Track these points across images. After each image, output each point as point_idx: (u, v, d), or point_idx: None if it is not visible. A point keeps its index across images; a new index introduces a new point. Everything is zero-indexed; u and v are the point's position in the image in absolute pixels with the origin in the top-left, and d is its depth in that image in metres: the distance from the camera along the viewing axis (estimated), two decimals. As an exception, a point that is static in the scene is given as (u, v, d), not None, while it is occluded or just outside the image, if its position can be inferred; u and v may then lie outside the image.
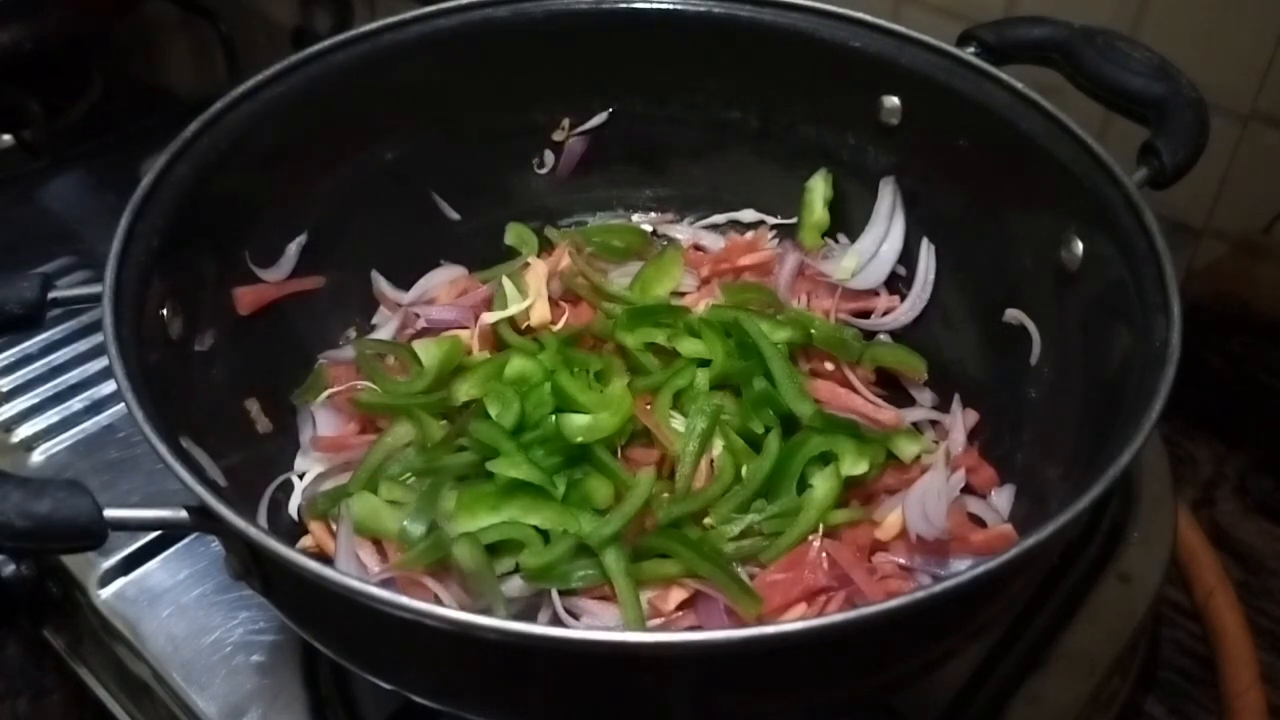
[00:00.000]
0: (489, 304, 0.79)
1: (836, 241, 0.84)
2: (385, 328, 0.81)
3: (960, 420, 0.74)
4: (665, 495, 0.67)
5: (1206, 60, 0.76)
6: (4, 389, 0.89)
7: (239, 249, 0.74)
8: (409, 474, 0.68)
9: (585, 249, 0.83)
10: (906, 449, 0.72)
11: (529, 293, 0.78)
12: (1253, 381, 0.92)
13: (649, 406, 0.71)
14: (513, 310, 0.77)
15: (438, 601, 0.62)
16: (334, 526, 0.67)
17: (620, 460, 0.68)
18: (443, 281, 0.83)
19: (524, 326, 0.77)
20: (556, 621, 0.64)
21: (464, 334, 0.77)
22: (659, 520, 0.65)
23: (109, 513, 0.52)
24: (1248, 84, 0.86)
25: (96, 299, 0.60)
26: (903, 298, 0.82)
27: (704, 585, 0.63)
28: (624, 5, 0.82)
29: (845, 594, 0.64)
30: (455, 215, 0.85)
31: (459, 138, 0.83)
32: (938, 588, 0.49)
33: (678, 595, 0.64)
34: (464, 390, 0.71)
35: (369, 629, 0.55)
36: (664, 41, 0.82)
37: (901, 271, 0.83)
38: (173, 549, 0.77)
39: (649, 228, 0.89)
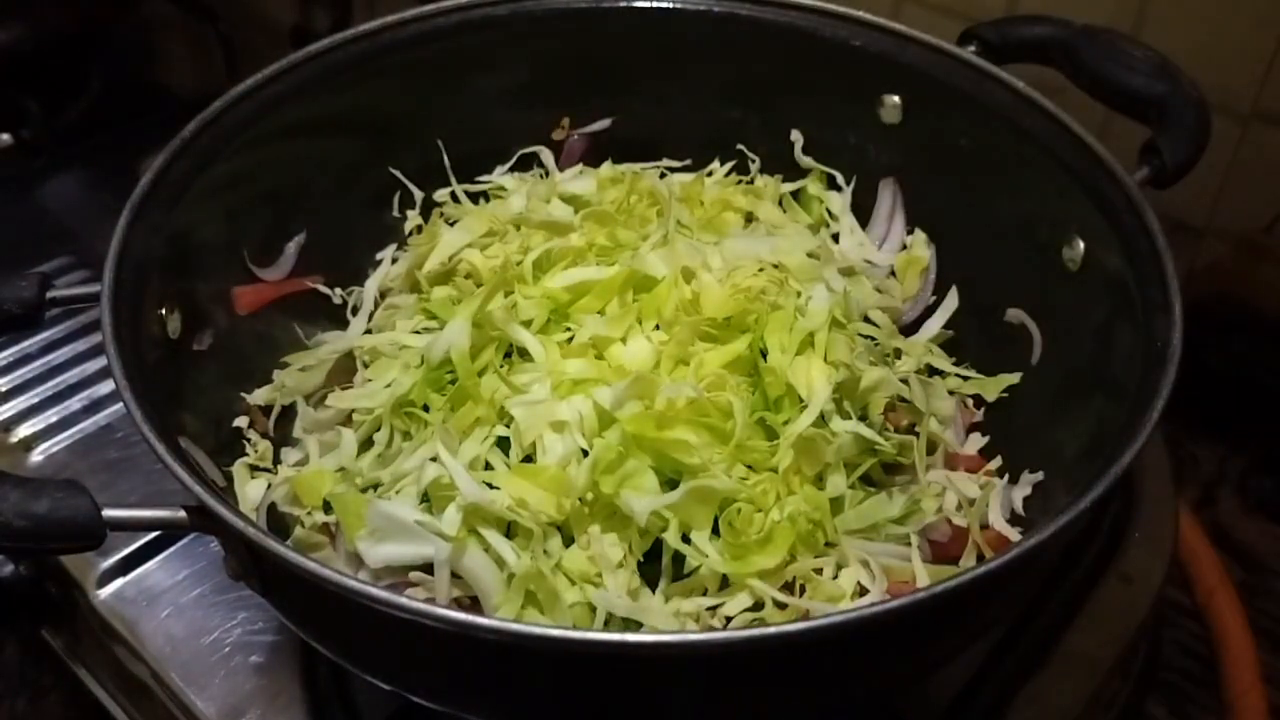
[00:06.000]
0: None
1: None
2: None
3: (960, 420, 0.74)
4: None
5: (1208, 59, 0.76)
6: (2, 389, 0.89)
7: (238, 248, 0.74)
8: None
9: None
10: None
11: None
12: (1254, 381, 0.92)
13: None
14: None
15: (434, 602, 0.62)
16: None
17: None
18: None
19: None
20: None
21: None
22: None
23: (108, 513, 0.52)
24: (1249, 83, 0.86)
25: (95, 298, 0.60)
26: (903, 297, 0.82)
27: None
28: (624, 4, 0.82)
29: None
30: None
31: (459, 137, 0.83)
32: (938, 587, 0.48)
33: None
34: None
35: (368, 629, 0.55)
36: (663, 40, 0.82)
37: (902, 272, 0.82)
38: (171, 549, 0.77)
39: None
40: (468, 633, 0.48)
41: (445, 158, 0.83)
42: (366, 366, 0.73)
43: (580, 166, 0.85)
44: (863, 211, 0.83)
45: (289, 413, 0.73)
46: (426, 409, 0.67)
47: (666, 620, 0.59)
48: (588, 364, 0.67)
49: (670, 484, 0.62)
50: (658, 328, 0.69)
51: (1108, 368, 0.64)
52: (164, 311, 0.65)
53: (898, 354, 0.75)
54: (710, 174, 0.85)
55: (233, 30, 1.25)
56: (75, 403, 0.87)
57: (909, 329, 0.79)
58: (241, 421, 0.71)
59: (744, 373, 0.67)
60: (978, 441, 0.73)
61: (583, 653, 0.49)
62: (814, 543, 0.62)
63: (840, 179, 0.84)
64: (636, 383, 0.63)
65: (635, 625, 0.59)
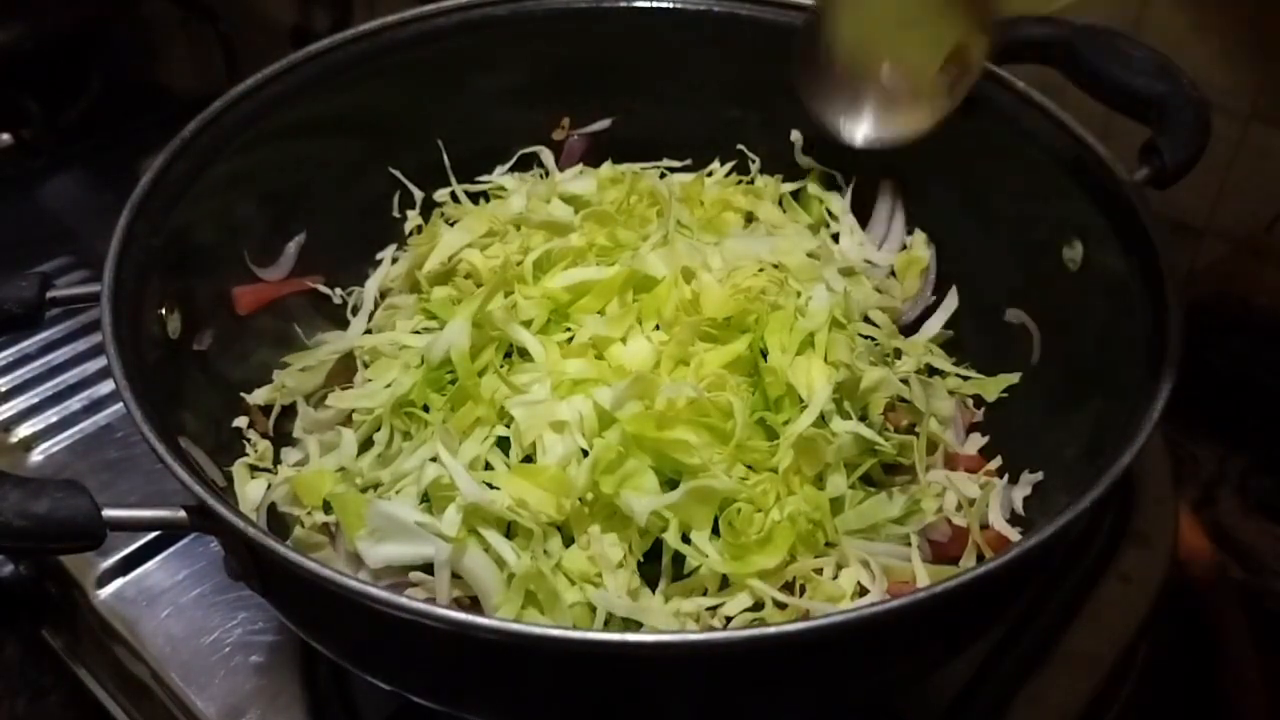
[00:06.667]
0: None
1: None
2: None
3: (960, 420, 0.74)
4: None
5: (1208, 59, 0.76)
6: (2, 389, 0.89)
7: (238, 248, 0.74)
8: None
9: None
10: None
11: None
12: (1254, 381, 0.92)
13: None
14: None
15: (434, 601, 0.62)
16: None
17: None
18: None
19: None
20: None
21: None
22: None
23: (108, 513, 0.52)
24: (1249, 83, 0.86)
25: (95, 298, 0.60)
26: (903, 297, 0.82)
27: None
28: (624, 4, 0.82)
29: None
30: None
31: (459, 137, 0.83)
32: (938, 588, 0.49)
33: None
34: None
35: (368, 629, 0.55)
36: (663, 40, 0.82)
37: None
38: (171, 549, 0.77)
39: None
40: (468, 633, 0.48)
41: (445, 158, 0.83)
42: (366, 366, 0.73)
43: (580, 166, 0.85)
44: (863, 211, 0.83)
45: (289, 413, 0.73)
46: (426, 409, 0.67)
47: (666, 620, 0.59)
48: (588, 364, 0.67)
49: (670, 484, 0.62)
50: (658, 328, 0.69)
51: (1108, 368, 0.64)
52: (164, 311, 0.65)
53: (898, 354, 0.75)
54: (710, 174, 0.85)
55: (233, 30, 1.25)
56: (75, 403, 0.87)
57: (909, 329, 0.79)
58: (241, 421, 0.71)
59: (744, 373, 0.67)
60: (978, 441, 0.73)
61: (583, 653, 0.50)
62: (814, 543, 0.62)
63: (840, 179, 0.84)
64: (636, 383, 0.63)
65: (635, 625, 0.59)
